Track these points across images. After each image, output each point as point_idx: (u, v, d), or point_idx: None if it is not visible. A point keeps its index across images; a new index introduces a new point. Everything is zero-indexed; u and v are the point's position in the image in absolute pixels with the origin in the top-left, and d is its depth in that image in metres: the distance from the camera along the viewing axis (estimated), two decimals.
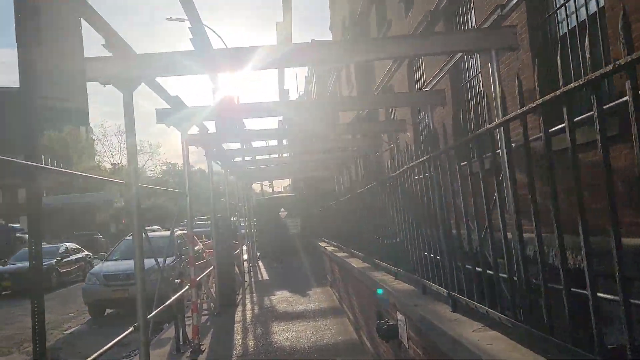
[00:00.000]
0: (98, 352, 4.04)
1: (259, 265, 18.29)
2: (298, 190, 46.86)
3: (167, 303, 5.78)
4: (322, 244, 13.55)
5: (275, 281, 13.42)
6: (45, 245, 29.26)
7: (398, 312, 4.08)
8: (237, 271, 12.99)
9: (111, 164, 64.30)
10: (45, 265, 16.90)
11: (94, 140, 70.41)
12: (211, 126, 10.33)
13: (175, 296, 6.31)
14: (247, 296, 11.44)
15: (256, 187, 42.26)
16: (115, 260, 11.72)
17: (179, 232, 12.89)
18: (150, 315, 5.14)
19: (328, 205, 12.34)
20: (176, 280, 7.21)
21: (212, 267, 10.10)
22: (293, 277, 13.89)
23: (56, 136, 65.08)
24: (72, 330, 9.88)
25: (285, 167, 17.99)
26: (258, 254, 20.41)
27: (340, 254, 8.95)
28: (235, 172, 15.67)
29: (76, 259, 19.68)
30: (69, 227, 62.62)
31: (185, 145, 7.17)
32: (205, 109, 7.54)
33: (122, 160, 68.39)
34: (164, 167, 74.22)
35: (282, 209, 22.14)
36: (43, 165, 3.20)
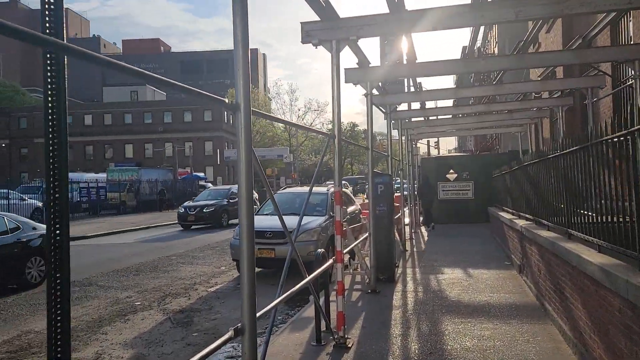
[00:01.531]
0: None
1: (422, 233, 16.12)
2: (466, 152, 42.74)
3: (294, 289, 4.03)
4: (505, 215, 10.77)
5: (443, 254, 11.14)
6: (216, 187, 33.42)
7: None
8: (397, 239, 11.06)
9: None
10: (216, 205, 21.18)
11: (269, 99, 75.11)
12: (373, 60, 8.33)
13: (312, 275, 4.57)
14: (409, 271, 9.45)
15: (421, 148, 39.57)
16: (266, 215, 10.72)
17: (332, 189, 11.38)
18: (264, 310, 3.44)
19: (515, 167, 9.52)
20: (318, 250, 5.52)
21: (367, 234, 8.30)
22: (465, 251, 11.42)
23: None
24: (217, 287, 9.14)
25: (460, 120, 15.16)
26: (422, 219, 18.20)
27: (544, 234, 6.32)
28: (399, 123, 13.51)
29: None
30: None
31: (336, 67, 5.25)
32: (364, 19, 5.47)
33: (292, 117, 71.78)
34: (329, 126, 75.70)
35: (451, 171, 19.41)
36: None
